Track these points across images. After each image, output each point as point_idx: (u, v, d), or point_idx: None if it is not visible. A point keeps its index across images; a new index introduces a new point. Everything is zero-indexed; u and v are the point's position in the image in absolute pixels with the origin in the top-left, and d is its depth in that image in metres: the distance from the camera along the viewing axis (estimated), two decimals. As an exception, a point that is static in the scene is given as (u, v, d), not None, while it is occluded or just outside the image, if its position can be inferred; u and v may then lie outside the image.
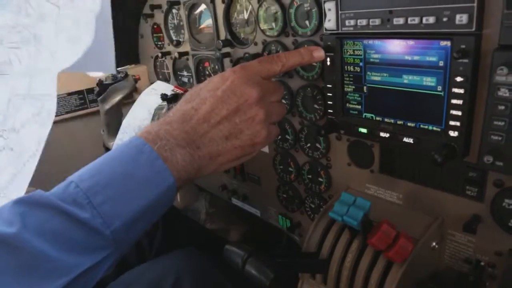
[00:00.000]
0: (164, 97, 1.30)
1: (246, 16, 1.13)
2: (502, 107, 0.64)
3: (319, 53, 0.82)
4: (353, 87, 0.87)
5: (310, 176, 1.14)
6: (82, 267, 0.55)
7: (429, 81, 0.74)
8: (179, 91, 1.20)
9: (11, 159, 0.90)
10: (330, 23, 0.85)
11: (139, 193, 0.61)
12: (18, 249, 0.51)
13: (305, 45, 0.97)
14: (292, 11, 0.97)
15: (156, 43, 1.58)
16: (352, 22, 0.81)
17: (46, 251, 0.53)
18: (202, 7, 1.27)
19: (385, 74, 0.81)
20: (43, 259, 0.52)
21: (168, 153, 0.64)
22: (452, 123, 0.73)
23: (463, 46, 0.66)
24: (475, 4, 0.64)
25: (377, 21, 0.77)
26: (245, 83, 0.71)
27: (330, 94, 0.92)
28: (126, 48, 1.66)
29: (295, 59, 0.78)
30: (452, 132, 0.73)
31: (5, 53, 0.99)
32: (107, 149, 1.10)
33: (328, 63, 0.89)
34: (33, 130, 0.88)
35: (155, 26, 1.54)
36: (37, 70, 0.93)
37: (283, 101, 1.10)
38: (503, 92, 0.64)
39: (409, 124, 0.81)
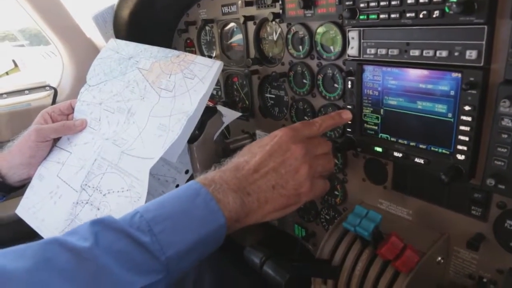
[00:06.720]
0: None
1: (275, 37, 1.22)
2: (505, 136, 0.71)
3: (347, 115, 0.96)
4: (371, 109, 0.95)
5: (326, 189, 1.21)
6: (136, 286, 0.62)
7: (440, 108, 0.81)
8: (209, 103, 1.28)
9: (94, 216, 0.97)
10: (352, 50, 0.93)
11: (193, 228, 0.69)
12: (88, 261, 0.60)
13: (329, 68, 1.05)
14: (318, 36, 1.05)
15: (188, 56, 1.67)
16: (373, 50, 0.89)
17: (111, 267, 0.61)
18: (234, 25, 1.37)
19: (401, 99, 0.88)
20: (107, 272, 0.60)
21: (221, 195, 0.73)
22: (460, 147, 0.79)
23: (471, 79, 0.73)
24: (483, 42, 0.71)
25: (395, 52, 0.84)
26: (291, 139, 0.83)
27: (350, 114, 1.00)
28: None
29: (328, 122, 0.92)
30: (460, 155, 0.80)
31: (99, 112, 1.12)
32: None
33: (349, 86, 0.97)
34: (123, 204, 0.96)
35: (188, 41, 1.64)
36: (123, 140, 1.03)
37: (306, 118, 1.18)
38: (506, 122, 0.70)
39: (420, 146, 0.87)
